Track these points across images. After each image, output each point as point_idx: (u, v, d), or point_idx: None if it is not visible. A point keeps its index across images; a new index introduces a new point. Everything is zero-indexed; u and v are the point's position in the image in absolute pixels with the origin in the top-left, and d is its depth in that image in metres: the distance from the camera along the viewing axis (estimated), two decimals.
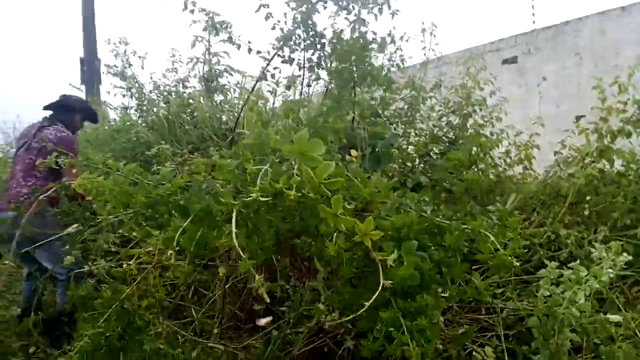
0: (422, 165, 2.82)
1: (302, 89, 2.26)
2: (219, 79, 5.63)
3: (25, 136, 3.55)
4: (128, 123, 5.38)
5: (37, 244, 2.89)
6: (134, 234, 2.22)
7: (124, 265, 2.40)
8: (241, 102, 5.53)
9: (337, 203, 1.23)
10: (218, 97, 5.60)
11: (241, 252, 1.30)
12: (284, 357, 2.41)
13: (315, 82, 2.18)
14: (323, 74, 2.33)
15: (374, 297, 1.33)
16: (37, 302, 3.31)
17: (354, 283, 1.66)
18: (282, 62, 2.10)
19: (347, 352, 2.40)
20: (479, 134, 3.59)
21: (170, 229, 1.58)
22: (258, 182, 1.32)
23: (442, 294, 1.94)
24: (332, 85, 2.01)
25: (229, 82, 5.66)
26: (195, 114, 5.20)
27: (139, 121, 5.42)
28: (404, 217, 1.54)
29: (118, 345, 2.15)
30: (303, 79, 2.21)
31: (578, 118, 4.47)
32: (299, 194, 1.27)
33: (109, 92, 5.59)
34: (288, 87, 2.24)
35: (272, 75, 2.28)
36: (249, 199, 1.27)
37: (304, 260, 2.80)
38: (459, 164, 1.98)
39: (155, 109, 5.20)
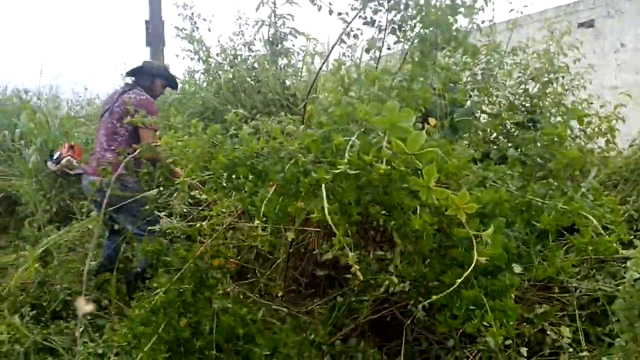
0: (504, 137, 2.68)
1: (380, 53, 2.17)
2: (284, 42, 5.59)
3: (108, 102, 3.64)
4: (194, 88, 5.48)
5: (117, 206, 3.00)
6: (209, 195, 2.26)
7: (197, 225, 2.46)
8: (305, 66, 5.50)
9: (430, 175, 1.17)
10: (282, 61, 5.57)
11: (335, 228, 1.28)
12: (349, 324, 2.42)
13: (395, 46, 2.08)
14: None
15: (463, 274, 1.27)
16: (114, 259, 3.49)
17: (432, 257, 1.61)
18: (364, 23, 2.01)
19: (413, 322, 2.39)
20: (559, 103, 3.37)
21: (257, 199, 1.57)
22: (346, 154, 1.28)
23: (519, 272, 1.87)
24: (412, 49, 1.91)
25: (293, 46, 5.61)
26: (259, 78, 5.20)
27: (204, 85, 5.49)
28: (491, 193, 1.46)
29: (191, 301, 2.23)
30: (383, 42, 2.11)
31: None
32: (390, 167, 1.22)
33: (177, 55, 5.65)
34: (367, 51, 2.15)
35: (355, 36, 2.20)
36: (337, 171, 1.24)
37: (369, 230, 2.77)
38: (558, 138, 1.85)
39: (220, 73, 5.23)
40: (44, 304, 3.24)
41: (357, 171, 1.29)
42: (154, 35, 9.86)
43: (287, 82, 5.33)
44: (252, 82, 5.01)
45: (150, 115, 2.93)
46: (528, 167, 1.93)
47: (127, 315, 2.31)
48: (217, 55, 5.32)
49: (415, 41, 1.98)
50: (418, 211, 1.42)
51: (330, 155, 1.69)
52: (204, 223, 2.45)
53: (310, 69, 5.42)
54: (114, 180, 2.54)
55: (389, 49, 2.34)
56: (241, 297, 2.75)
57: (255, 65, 5.37)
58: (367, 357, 2.21)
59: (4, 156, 5.66)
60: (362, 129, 1.38)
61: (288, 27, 5.58)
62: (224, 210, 2.53)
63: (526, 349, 2.13)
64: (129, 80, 3.71)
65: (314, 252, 2.95)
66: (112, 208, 2.92)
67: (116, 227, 3.40)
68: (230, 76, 5.10)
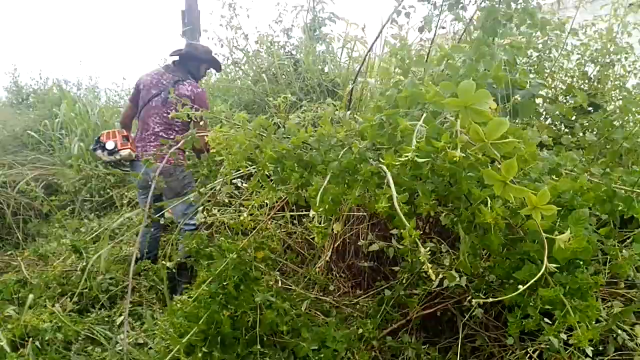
0: (559, 122, 2.48)
1: (436, 31, 2.01)
2: (322, 28, 5.46)
3: (156, 86, 3.47)
4: (233, 76, 5.42)
5: (171, 198, 2.94)
6: (255, 189, 2.16)
7: (241, 217, 2.38)
8: (345, 50, 5.36)
9: (510, 170, 1.03)
10: (320, 47, 5.44)
11: (405, 220, 1.15)
12: (398, 318, 2.30)
13: (450, 25, 1.93)
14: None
15: (538, 271, 1.13)
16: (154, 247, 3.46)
17: (501, 253, 1.47)
18: (418, 0, 1.86)
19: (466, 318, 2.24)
20: (621, 86, 3.13)
21: (312, 188, 1.46)
22: (414, 140, 1.14)
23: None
24: (476, 25, 1.76)
25: (332, 31, 5.48)
26: (298, 65, 5.09)
27: (241, 73, 5.42)
28: (568, 182, 1.30)
29: (234, 294, 2.14)
30: (439, 20, 1.96)
31: None
32: (465, 155, 1.08)
33: (216, 44, 5.57)
34: (421, 30, 2.00)
35: (407, 14, 2.04)
36: (404, 159, 1.11)
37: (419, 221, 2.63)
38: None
39: (259, 61, 5.15)
40: (85, 292, 3.23)
41: (427, 159, 1.16)
42: (190, 25, 9.87)
43: (326, 69, 5.21)
44: (291, 69, 4.91)
45: (205, 108, 2.88)
46: (612, 153, 1.75)
47: (169, 307, 2.25)
48: (256, 42, 5.23)
49: (475, 18, 1.82)
50: (489, 203, 1.28)
51: (387, 142, 1.56)
52: (245, 215, 2.37)
53: (350, 55, 5.29)
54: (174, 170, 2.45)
55: (443, 27, 2.18)
56: (284, 290, 2.66)
57: (294, 52, 5.27)
58: (420, 353, 2.08)
59: (45, 145, 5.74)
60: (427, 113, 1.24)
61: (327, 12, 5.46)
62: (266, 201, 2.44)
63: (591, 348, 1.96)
64: (172, 61, 3.61)
65: (359, 243, 2.83)
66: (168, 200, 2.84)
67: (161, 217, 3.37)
68: (269, 63, 5.02)
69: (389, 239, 2.77)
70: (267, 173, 1.87)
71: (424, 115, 1.26)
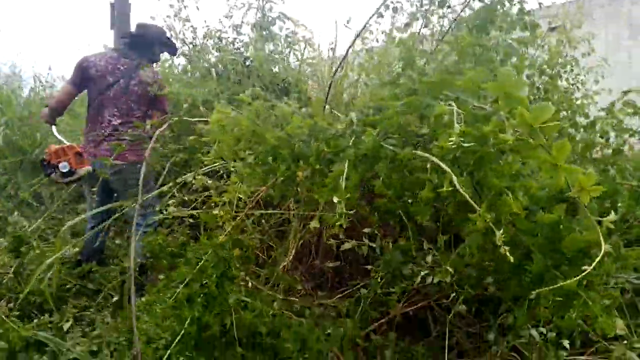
0: None
1: (420, 29, 2.03)
2: (271, 27, 5.37)
3: (113, 73, 3.20)
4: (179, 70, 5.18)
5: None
6: (248, 180, 2.06)
7: (215, 212, 2.25)
8: (293, 52, 5.31)
9: (562, 151, 1.04)
10: (269, 46, 5.35)
11: (475, 205, 1.13)
12: (378, 317, 2.28)
13: (440, 22, 1.95)
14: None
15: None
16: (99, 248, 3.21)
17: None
18: None
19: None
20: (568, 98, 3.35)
21: (334, 174, 1.40)
22: (455, 125, 1.13)
23: None
24: (466, 23, 1.79)
25: (280, 31, 5.41)
26: (247, 64, 4.97)
27: (189, 67, 5.19)
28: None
29: (215, 293, 2.02)
30: (425, 16, 1.98)
31: None
32: (515, 139, 1.08)
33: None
34: (408, 26, 2.00)
35: (395, 9, 2.03)
36: (449, 144, 1.09)
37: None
38: None
39: (208, 56, 4.96)
40: (21, 296, 2.92)
41: (471, 144, 1.15)
42: (120, 17, 9.39)
43: (276, 69, 5.13)
44: (241, 67, 4.77)
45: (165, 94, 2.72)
46: None
47: (144, 309, 2.08)
48: (204, 37, 5.04)
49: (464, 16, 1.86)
50: (510, 194, 1.29)
51: (397, 132, 1.54)
52: (218, 210, 2.24)
53: (298, 56, 5.25)
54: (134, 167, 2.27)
55: (426, 26, 2.21)
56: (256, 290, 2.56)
57: (242, 49, 5.14)
58: (409, 351, 2.07)
59: None
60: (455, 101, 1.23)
61: (276, 12, 5.38)
62: (241, 195, 2.33)
63: (568, 341, 2.05)
64: (122, 45, 3.35)
65: (328, 242, 2.78)
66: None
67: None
68: (217, 59, 4.84)
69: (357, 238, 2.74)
70: (258, 162, 1.78)
71: (452, 103, 1.25)
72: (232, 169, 1.98)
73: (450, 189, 1.17)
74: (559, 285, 1.32)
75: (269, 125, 1.64)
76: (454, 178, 1.15)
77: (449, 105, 1.26)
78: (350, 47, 2.21)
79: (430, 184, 1.25)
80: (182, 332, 1.90)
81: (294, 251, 3.00)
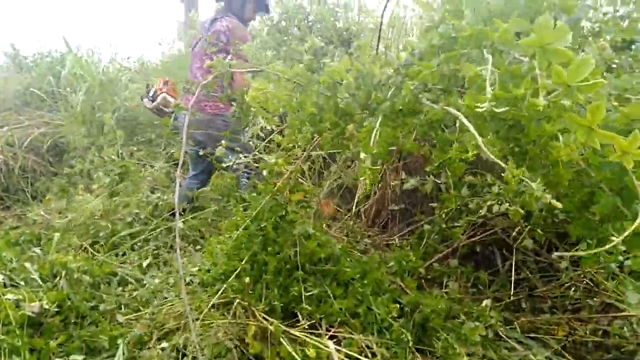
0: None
1: None
2: None
3: (200, 32, 3.39)
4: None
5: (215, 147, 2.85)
6: (293, 142, 2.10)
7: (273, 161, 2.29)
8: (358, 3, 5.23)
9: (597, 114, 0.94)
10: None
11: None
12: (442, 250, 2.25)
13: None
14: None
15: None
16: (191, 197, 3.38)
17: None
18: None
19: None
20: None
21: (365, 129, 1.39)
22: (488, 87, 1.05)
23: None
24: None
25: None
26: (309, 19, 4.96)
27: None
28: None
29: (273, 235, 2.08)
30: None
31: None
32: (547, 102, 0.99)
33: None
34: None
35: None
36: (481, 109, 1.03)
37: None
38: None
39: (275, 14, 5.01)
40: (108, 235, 3.16)
41: (506, 108, 1.07)
42: None
43: (338, 24, 5.08)
44: (304, 23, 4.78)
45: (242, 42, 2.76)
46: None
47: (206, 246, 2.19)
48: None
49: None
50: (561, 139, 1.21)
51: (447, 86, 1.46)
52: (277, 159, 2.29)
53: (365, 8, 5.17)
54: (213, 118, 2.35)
55: None
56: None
57: (304, 4, 5.13)
58: (470, 277, 2.04)
59: (49, 102, 5.58)
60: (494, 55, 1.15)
61: None
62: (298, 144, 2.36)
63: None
64: (220, 5, 3.46)
65: (392, 183, 2.77)
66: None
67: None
68: (279, 16, 4.88)
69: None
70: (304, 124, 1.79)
71: (490, 57, 1.15)
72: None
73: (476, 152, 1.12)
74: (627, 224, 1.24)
75: (313, 88, 1.62)
76: (480, 140, 1.08)
77: (485, 59, 1.18)
78: None
79: (470, 144, 1.21)
80: (239, 268, 1.99)
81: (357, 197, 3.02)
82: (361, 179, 2.45)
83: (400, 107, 1.47)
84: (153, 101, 3.20)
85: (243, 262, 2.07)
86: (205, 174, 3.56)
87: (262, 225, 2.15)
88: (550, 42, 1.03)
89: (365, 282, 1.95)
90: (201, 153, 2.90)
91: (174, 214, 3.25)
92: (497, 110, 1.09)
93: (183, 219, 3.18)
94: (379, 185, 2.93)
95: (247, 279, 1.91)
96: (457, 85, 1.46)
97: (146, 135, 5.19)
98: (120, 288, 2.55)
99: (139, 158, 4.74)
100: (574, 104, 1.12)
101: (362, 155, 1.76)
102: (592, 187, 1.49)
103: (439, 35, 1.45)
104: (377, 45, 2.98)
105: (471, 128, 1.17)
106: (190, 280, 2.52)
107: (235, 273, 2.05)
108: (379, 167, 2.78)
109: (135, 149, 4.86)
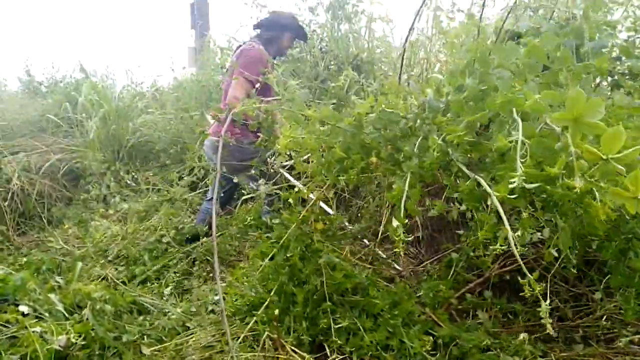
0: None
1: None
2: (346, 6, 5.36)
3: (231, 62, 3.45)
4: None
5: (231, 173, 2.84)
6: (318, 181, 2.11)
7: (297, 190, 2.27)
8: (368, 31, 5.26)
9: (638, 181, 0.92)
10: (344, 26, 5.34)
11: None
12: (472, 279, 2.21)
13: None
14: None
15: None
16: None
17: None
18: None
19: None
20: None
21: (393, 193, 1.38)
22: (518, 162, 1.04)
23: None
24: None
25: (356, 9, 5.38)
26: (322, 46, 5.00)
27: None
28: None
29: (300, 265, 2.06)
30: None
31: None
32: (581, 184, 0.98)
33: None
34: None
35: None
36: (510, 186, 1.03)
37: None
38: None
39: None
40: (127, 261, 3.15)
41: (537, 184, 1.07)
42: (200, 17, 9.80)
43: (351, 50, 5.11)
44: (316, 49, 4.82)
45: (248, 65, 2.76)
46: None
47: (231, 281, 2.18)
48: None
49: None
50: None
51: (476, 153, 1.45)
52: (302, 187, 2.28)
53: (372, 35, 5.19)
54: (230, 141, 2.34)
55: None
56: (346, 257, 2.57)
57: (318, 30, 5.18)
58: (504, 308, 2.00)
59: (65, 128, 5.63)
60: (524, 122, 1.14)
61: None
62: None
63: None
64: (254, 33, 3.48)
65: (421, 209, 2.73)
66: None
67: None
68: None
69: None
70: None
71: (520, 124, 1.14)
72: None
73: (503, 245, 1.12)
74: None
75: (338, 133, 1.63)
76: (509, 233, 1.08)
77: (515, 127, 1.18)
78: (412, 24, 2.11)
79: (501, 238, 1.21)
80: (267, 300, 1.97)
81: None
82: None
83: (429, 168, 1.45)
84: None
85: (271, 294, 2.04)
86: (225, 197, 3.55)
87: (288, 255, 2.14)
88: (583, 115, 1.00)
89: (396, 313, 1.92)
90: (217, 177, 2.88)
91: (191, 240, 3.27)
92: (528, 186, 1.07)
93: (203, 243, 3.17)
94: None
95: (276, 311, 1.88)
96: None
97: (160, 160, 5.21)
98: (142, 317, 2.53)
99: (154, 183, 4.75)
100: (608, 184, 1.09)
101: (395, 223, 1.73)
102: (629, 234, 1.47)
103: (468, 88, 1.42)
104: (400, 75, 2.99)
105: (501, 212, 1.16)
106: (212, 309, 2.50)
107: (265, 305, 2.03)
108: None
109: (150, 173, 4.88)
